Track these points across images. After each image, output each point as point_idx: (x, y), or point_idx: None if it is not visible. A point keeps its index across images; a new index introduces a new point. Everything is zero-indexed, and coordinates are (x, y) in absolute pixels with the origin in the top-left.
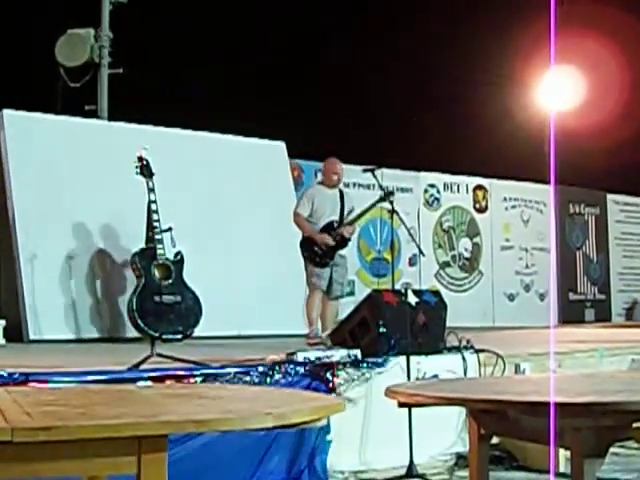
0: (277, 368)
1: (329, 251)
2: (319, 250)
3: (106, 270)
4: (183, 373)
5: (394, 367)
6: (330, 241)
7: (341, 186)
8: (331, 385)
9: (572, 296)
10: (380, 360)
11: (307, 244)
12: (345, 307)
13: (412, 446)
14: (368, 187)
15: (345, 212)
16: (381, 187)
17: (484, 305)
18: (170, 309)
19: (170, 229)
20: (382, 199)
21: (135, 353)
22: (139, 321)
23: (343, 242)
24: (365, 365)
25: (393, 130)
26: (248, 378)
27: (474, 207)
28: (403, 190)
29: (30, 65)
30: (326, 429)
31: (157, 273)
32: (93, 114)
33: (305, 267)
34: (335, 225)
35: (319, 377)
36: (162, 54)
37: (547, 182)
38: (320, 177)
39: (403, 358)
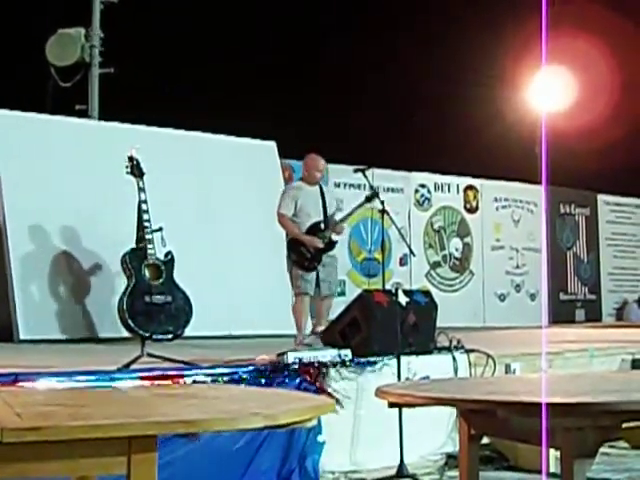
0: (267, 368)
1: (317, 254)
2: (307, 253)
3: (97, 270)
4: (173, 373)
5: (384, 367)
6: (319, 244)
7: (325, 184)
8: (321, 385)
9: (562, 296)
10: (370, 360)
11: (294, 246)
12: (336, 307)
13: (402, 446)
14: (359, 187)
15: (328, 208)
16: (372, 187)
17: (475, 305)
18: (160, 309)
19: (161, 229)
20: (368, 200)
21: (125, 353)
22: (129, 321)
23: (331, 244)
24: (355, 365)
25: (384, 130)
26: (238, 378)
27: (465, 207)
28: (394, 190)
29: (20, 64)
30: (317, 429)
31: (147, 273)
32: (84, 114)
33: (289, 270)
34: (322, 227)
35: (309, 377)
36: (153, 54)
37: (538, 182)
38: (301, 174)
39: (393, 358)
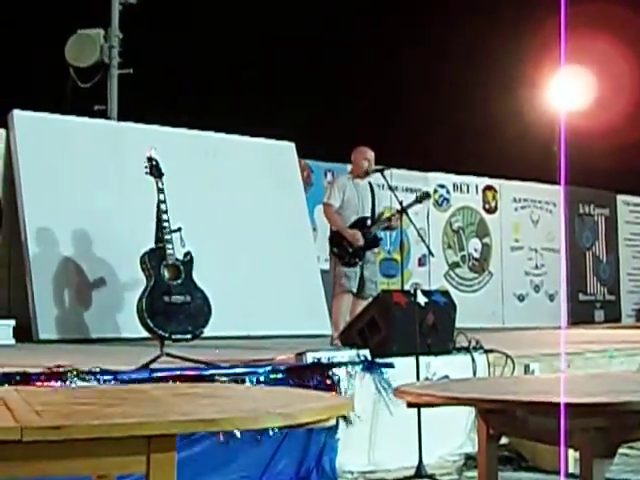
0: (286, 368)
1: (359, 250)
2: (349, 247)
3: (116, 270)
4: (193, 373)
5: (403, 367)
6: (360, 240)
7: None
8: (340, 385)
9: (582, 297)
10: (389, 360)
11: (336, 239)
12: None
13: (421, 446)
14: (378, 187)
15: (376, 205)
16: (390, 187)
17: (493, 305)
18: (179, 309)
19: (179, 229)
20: (419, 200)
21: (144, 353)
22: (148, 321)
23: (375, 241)
24: (374, 365)
25: (402, 130)
26: (257, 378)
27: (484, 207)
28: (412, 190)
29: (40, 65)
30: (335, 429)
31: (167, 273)
32: (102, 114)
33: (333, 267)
34: (368, 223)
35: (328, 377)
36: (172, 54)
37: (557, 182)
38: (349, 168)
39: (412, 358)
